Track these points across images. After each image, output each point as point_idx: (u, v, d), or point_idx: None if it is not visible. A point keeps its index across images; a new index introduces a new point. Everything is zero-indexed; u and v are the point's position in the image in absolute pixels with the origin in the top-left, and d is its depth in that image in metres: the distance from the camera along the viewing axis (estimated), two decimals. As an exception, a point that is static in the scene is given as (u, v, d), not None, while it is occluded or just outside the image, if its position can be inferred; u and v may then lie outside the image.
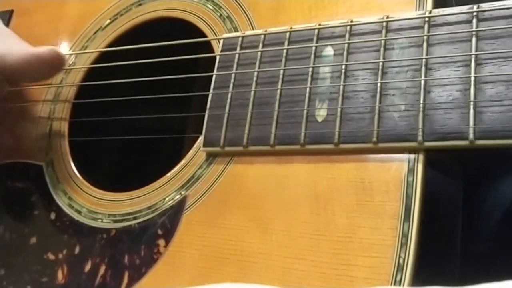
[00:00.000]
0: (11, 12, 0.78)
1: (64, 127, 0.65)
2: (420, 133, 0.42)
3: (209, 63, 0.55)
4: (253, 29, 0.55)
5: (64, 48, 0.69)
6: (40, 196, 0.62)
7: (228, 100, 0.51)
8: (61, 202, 0.60)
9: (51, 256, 0.58)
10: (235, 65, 0.53)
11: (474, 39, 0.42)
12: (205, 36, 0.59)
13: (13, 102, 0.68)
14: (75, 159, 0.63)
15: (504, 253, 0.52)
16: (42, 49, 0.58)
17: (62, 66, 0.59)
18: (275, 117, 0.48)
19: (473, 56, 0.41)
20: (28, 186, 0.64)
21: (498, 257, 0.52)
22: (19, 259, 0.60)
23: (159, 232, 0.52)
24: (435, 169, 0.46)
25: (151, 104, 0.60)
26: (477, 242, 0.53)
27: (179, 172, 0.54)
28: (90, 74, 0.66)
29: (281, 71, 0.50)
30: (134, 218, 0.55)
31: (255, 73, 0.51)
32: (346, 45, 0.47)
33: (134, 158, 0.71)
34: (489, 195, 0.54)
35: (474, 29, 0.42)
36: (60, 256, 0.57)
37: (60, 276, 0.56)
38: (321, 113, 0.46)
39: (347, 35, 0.48)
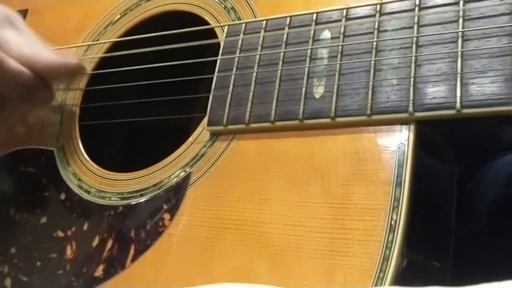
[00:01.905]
0: (25, 11, 0.82)
1: (75, 113, 0.68)
2: (411, 105, 0.44)
3: (216, 54, 0.58)
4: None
5: (75, 42, 0.73)
6: (51, 178, 0.65)
7: (232, 82, 0.54)
8: (71, 183, 0.63)
9: (60, 234, 0.60)
10: (238, 50, 0.56)
11: (461, 19, 0.45)
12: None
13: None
14: (84, 144, 0.66)
15: (498, 232, 0.54)
16: (69, 60, 0.63)
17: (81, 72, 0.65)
18: (275, 95, 0.51)
19: (460, 33, 0.44)
20: (39, 170, 0.67)
21: (493, 236, 0.54)
22: (29, 238, 0.63)
23: (165, 206, 0.55)
24: (429, 151, 0.48)
25: (160, 93, 0.63)
26: (472, 222, 0.55)
27: (184, 151, 0.57)
28: (101, 64, 0.70)
29: (282, 54, 0.53)
30: (141, 195, 0.57)
31: (257, 56, 0.54)
32: (342, 28, 0.50)
33: (142, 143, 0.74)
34: (483, 176, 0.56)
35: (461, 9, 0.45)
36: (69, 233, 0.60)
37: (69, 251, 0.59)
38: (318, 90, 0.49)
39: (343, 19, 0.51)
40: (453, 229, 0.50)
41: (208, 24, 0.63)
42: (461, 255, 0.49)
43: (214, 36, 0.61)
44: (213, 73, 0.57)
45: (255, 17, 0.59)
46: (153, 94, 0.63)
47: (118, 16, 0.71)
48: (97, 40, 0.72)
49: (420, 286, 0.38)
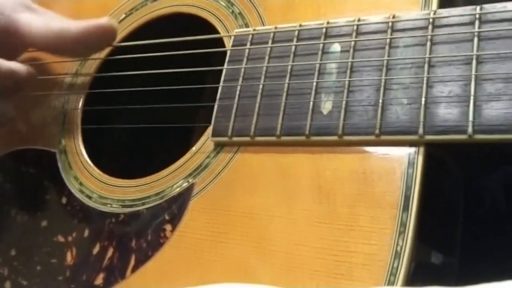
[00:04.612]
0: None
1: (78, 115, 0.67)
2: (421, 127, 0.43)
3: (220, 60, 0.57)
4: (263, 26, 0.57)
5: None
6: (52, 181, 0.64)
7: (237, 92, 0.53)
8: (72, 187, 0.62)
9: (61, 239, 0.60)
10: (245, 60, 0.54)
11: (476, 39, 0.43)
12: (217, 32, 0.61)
13: (28, 91, 0.70)
14: (87, 147, 0.65)
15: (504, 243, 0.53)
16: (97, 22, 0.60)
17: (114, 37, 0.62)
18: (282, 109, 0.50)
19: (474, 55, 0.43)
20: (40, 172, 0.66)
21: (499, 247, 0.53)
22: (29, 241, 0.62)
23: (166, 217, 0.54)
24: (437, 172, 0.47)
25: (162, 98, 0.62)
26: (478, 230, 0.54)
27: (187, 160, 0.56)
28: (104, 66, 0.69)
29: (289, 66, 0.51)
30: (143, 204, 0.56)
31: (264, 68, 0.53)
32: (353, 42, 0.49)
33: (144, 148, 0.73)
34: (489, 183, 0.55)
35: (476, 30, 0.43)
36: (70, 238, 0.59)
37: (69, 257, 0.58)
38: (326, 106, 0.48)
39: (354, 34, 0.49)
40: (458, 257, 0.49)
41: (214, 27, 0.62)
42: (468, 275, 0.48)
43: (220, 41, 0.60)
44: (216, 79, 0.56)
45: (263, 24, 0.57)
46: (156, 98, 0.62)
47: (123, 16, 0.70)
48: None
49: None
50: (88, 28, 0.60)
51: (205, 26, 0.62)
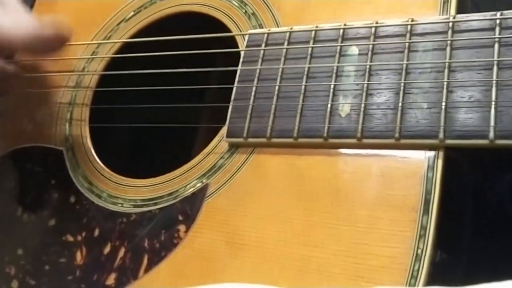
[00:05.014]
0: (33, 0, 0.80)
1: (86, 113, 0.66)
2: (441, 131, 0.44)
3: (225, 60, 0.57)
4: (277, 27, 0.57)
5: (86, 36, 0.71)
6: (60, 180, 0.64)
7: (253, 93, 0.53)
8: (81, 186, 0.62)
9: (70, 238, 0.59)
10: (260, 60, 0.54)
11: (496, 45, 0.44)
12: (230, 32, 0.60)
13: (34, 88, 0.69)
14: (94, 145, 0.65)
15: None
16: (47, 26, 0.60)
17: (66, 41, 0.61)
18: (299, 111, 0.50)
19: (495, 61, 0.43)
20: (47, 170, 0.66)
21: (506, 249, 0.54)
22: (37, 240, 0.62)
23: (180, 217, 0.54)
24: (457, 175, 0.47)
25: (166, 97, 0.61)
26: (486, 232, 0.54)
27: (200, 161, 0.56)
28: (112, 63, 0.68)
29: (306, 68, 0.51)
30: (155, 204, 0.56)
31: (280, 69, 0.53)
32: (371, 45, 0.49)
33: (146, 147, 0.73)
34: (499, 185, 0.55)
35: (497, 35, 0.44)
36: (79, 238, 0.59)
37: (78, 257, 0.58)
38: (344, 109, 0.48)
39: (371, 37, 0.50)
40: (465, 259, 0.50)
41: (226, 27, 0.62)
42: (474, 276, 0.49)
43: (228, 41, 0.60)
44: (222, 80, 0.55)
45: (277, 25, 0.57)
46: (163, 95, 0.62)
47: (132, 13, 0.70)
48: (109, 37, 0.70)
49: None
50: (37, 29, 0.60)
51: (216, 26, 0.62)
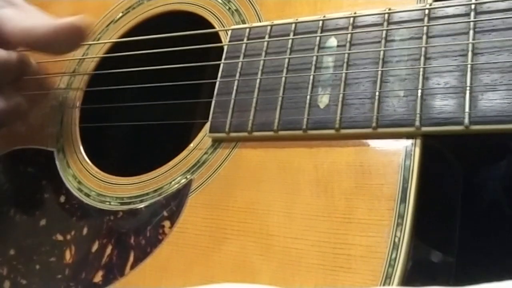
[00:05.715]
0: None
1: (76, 114, 0.67)
2: (417, 119, 0.43)
3: (219, 57, 0.57)
4: (260, 22, 0.57)
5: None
6: (50, 180, 0.64)
7: (235, 88, 0.53)
8: (71, 185, 0.62)
9: (59, 237, 0.60)
10: (241, 55, 0.55)
11: (471, 31, 0.43)
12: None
13: (26, 91, 0.70)
14: (85, 146, 0.65)
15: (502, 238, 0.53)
16: (67, 21, 0.59)
17: (85, 36, 0.60)
18: (279, 104, 0.50)
19: (470, 45, 0.43)
20: (38, 171, 0.66)
21: (497, 244, 0.53)
22: (28, 240, 0.62)
23: (165, 214, 0.54)
24: (435, 163, 0.47)
25: (160, 95, 0.62)
26: (477, 226, 0.53)
27: (185, 157, 0.56)
28: (102, 64, 0.69)
29: (286, 61, 0.51)
30: (141, 201, 0.56)
31: (261, 62, 0.53)
32: (349, 36, 0.49)
33: (143, 146, 0.73)
34: (489, 175, 0.55)
35: (471, 20, 0.43)
36: (68, 237, 0.59)
37: (68, 256, 0.58)
38: (323, 100, 0.48)
39: (350, 27, 0.49)
40: (457, 245, 0.49)
41: (211, 25, 0.62)
42: (465, 272, 0.48)
43: (217, 38, 0.60)
44: (214, 75, 0.56)
45: (260, 21, 0.57)
46: (154, 94, 0.62)
47: (120, 14, 0.70)
48: (99, 39, 0.71)
49: None
50: (57, 26, 0.59)
51: (203, 24, 0.62)
